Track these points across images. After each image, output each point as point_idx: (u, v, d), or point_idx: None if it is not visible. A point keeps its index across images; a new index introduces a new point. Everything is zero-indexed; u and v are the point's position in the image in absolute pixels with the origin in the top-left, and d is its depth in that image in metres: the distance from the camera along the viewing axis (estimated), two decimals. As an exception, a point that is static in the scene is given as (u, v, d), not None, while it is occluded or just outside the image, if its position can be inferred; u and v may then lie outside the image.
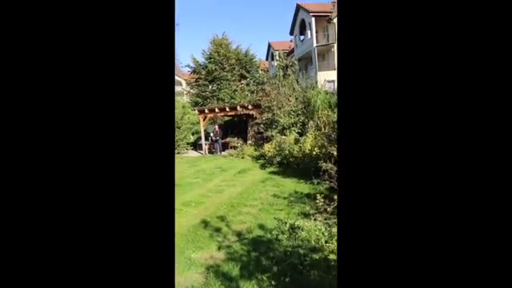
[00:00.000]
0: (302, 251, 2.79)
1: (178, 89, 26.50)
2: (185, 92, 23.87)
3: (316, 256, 2.64)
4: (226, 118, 15.52)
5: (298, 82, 10.58)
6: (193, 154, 13.21)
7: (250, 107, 11.26)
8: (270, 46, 24.78)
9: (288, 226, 3.43)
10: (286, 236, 3.20)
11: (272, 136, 9.25)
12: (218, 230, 3.61)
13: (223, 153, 11.76)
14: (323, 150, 5.58)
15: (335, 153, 4.63)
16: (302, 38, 19.35)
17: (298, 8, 18.84)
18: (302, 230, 3.19)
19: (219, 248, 3.10)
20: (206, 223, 3.86)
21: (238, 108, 11.59)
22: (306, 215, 3.74)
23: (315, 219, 3.42)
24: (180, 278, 2.59)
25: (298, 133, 8.88)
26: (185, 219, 4.12)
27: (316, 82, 11.35)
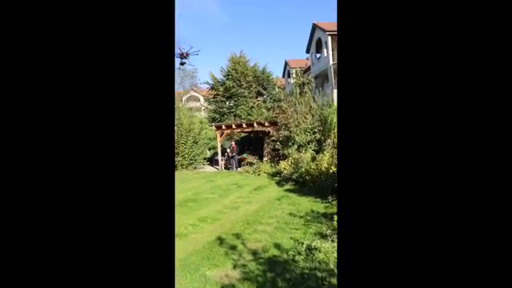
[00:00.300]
0: (319, 274, 2.71)
1: (196, 104, 27.17)
2: (202, 108, 24.43)
3: (334, 280, 2.55)
4: (243, 135, 15.65)
5: (314, 99, 10.61)
6: (209, 169, 13.31)
7: (266, 124, 11.34)
8: (286, 64, 25.15)
9: (305, 246, 3.36)
10: (302, 257, 3.13)
11: (288, 153, 9.22)
12: (233, 247, 3.58)
13: (239, 169, 11.79)
14: (340, 169, 5.48)
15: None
16: (318, 55, 19.54)
17: (314, 27, 19.15)
18: (320, 252, 3.12)
19: (234, 266, 3.07)
20: (221, 240, 3.84)
21: (255, 125, 11.70)
22: (323, 236, 3.65)
23: (332, 240, 3.33)
24: (195, 296, 2.57)
25: (314, 150, 8.81)
26: (200, 235, 4.12)
27: (332, 100, 11.34)
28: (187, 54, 11.94)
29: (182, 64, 11.63)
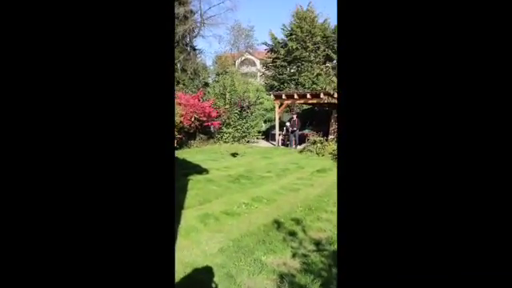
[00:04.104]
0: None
1: (251, 69, 27.32)
2: (259, 73, 24.48)
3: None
4: (305, 107, 15.38)
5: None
6: (264, 144, 13.53)
7: (336, 95, 10.91)
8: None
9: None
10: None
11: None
12: (292, 234, 3.61)
13: (299, 147, 11.74)
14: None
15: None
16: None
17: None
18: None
19: (294, 255, 3.09)
20: (278, 224, 3.90)
21: (322, 95, 11.37)
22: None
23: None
24: (249, 281, 2.67)
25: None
26: (255, 216, 4.23)
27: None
28: (248, 107, 13.71)
29: (243, 117, 13.62)
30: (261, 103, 14.88)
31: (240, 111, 13.40)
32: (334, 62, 17.51)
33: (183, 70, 17.09)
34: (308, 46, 17.46)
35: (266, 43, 19.71)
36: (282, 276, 2.72)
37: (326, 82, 14.89)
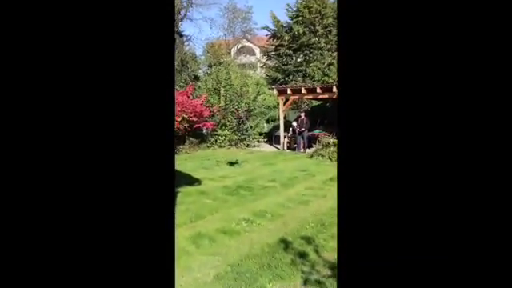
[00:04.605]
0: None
1: (250, 59, 27.41)
2: (259, 64, 24.57)
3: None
4: (315, 103, 15.41)
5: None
6: (266, 148, 13.58)
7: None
8: None
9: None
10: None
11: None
12: (303, 255, 3.60)
13: (308, 150, 11.77)
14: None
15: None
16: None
17: None
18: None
19: (305, 282, 3.08)
20: (286, 244, 3.89)
21: (334, 89, 11.39)
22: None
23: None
24: (252, 315, 2.65)
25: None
26: (257, 234, 4.23)
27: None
28: (247, 118, 14.31)
29: (241, 126, 14.15)
30: (262, 113, 14.94)
31: (238, 123, 13.46)
32: (349, 48, 17.56)
33: (169, 62, 17.13)
34: (317, 30, 17.50)
35: (267, 28, 19.75)
36: (291, 308, 2.70)
37: (339, 72, 14.92)
